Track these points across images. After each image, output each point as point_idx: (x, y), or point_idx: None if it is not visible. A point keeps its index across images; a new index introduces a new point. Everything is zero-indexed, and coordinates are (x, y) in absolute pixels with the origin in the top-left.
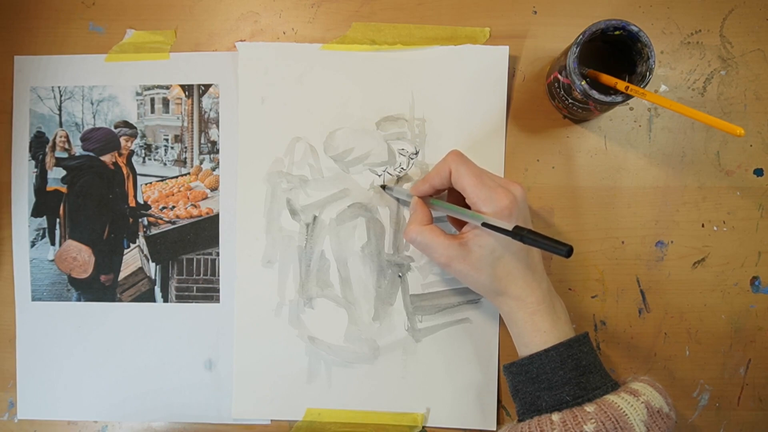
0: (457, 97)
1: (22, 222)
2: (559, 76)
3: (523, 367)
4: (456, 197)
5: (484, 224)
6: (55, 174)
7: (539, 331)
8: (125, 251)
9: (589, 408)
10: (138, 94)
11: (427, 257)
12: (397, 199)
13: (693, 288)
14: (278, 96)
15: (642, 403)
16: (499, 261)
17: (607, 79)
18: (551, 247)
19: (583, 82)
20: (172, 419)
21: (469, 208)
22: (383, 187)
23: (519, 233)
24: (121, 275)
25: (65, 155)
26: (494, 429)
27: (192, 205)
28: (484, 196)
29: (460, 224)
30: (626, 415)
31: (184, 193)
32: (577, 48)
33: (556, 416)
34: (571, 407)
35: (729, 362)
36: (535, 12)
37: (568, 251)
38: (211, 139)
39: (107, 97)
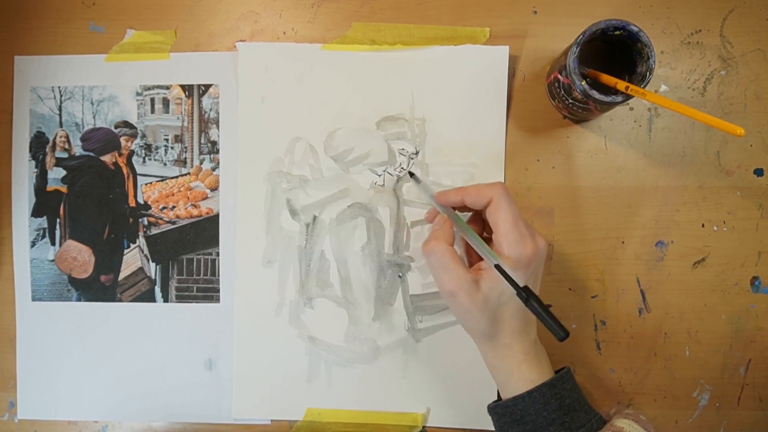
0: (457, 97)
1: (22, 222)
2: (559, 76)
3: (507, 409)
4: (475, 223)
5: (497, 266)
6: (55, 174)
7: (526, 380)
8: (125, 251)
9: None
10: (138, 94)
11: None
12: (423, 190)
13: (693, 288)
14: (278, 96)
15: None
16: (503, 306)
17: (607, 79)
18: (549, 325)
19: (583, 82)
20: (172, 419)
21: (485, 239)
22: (411, 174)
23: (525, 295)
24: (121, 275)
25: (65, 155)
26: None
27: (192, 205)
28: (513, 239)
29: (467, 252)
30: None
31: (184, 193)
32: (577, 48)
33: None
34: None
35: (729, 362)
36: (535, 12)
37: (564, 336)
38: (211, 139)
39: (107, 97)
